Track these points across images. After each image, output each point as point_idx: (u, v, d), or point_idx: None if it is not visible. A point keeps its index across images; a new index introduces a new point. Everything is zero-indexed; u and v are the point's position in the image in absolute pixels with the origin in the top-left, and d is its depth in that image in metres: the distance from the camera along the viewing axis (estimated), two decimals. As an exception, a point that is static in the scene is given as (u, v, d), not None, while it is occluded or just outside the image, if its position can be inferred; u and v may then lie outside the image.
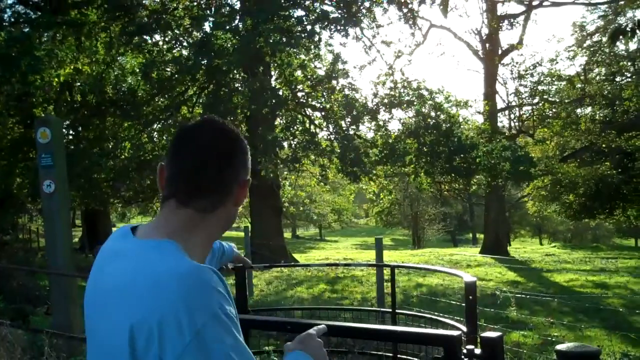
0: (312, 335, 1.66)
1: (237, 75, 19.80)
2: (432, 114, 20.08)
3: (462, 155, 19.77)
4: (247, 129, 19.37)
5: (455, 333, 2.04)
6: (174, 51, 20.25)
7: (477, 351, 2.07)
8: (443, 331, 2.18)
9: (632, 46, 28.79)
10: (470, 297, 4.55)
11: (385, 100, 20.12)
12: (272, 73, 20.84)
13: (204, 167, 1.48)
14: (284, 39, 18.00)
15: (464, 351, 2.08)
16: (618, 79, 33.28)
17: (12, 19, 18.38)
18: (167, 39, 20.55)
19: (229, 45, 18.08)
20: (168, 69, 19.96)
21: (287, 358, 1.60)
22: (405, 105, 20.23)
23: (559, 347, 3.10)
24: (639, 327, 9.63)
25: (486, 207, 31.97)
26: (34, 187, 16.75)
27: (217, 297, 1.30)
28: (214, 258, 2.55)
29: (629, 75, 33.21)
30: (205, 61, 18.07)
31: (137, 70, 20.13)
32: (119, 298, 1.34)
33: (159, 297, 1.27)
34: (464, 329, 4.67)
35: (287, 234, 54.56)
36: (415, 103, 20.12)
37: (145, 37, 20.13)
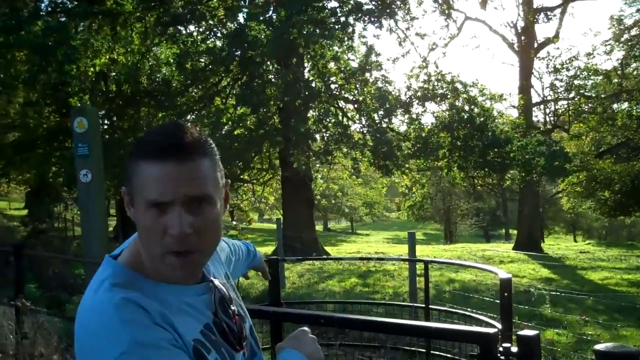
0: (305, 332, 1.60)
1: (271, 67, 19.84)
2: (466, 107, 19.92)
3: (496, 150, 19.60)
4: (279, 121, 19.40)
5: (492, 331, 2.02)
6: (208, 42, 20.35)
7: (514, 349, 2.04)
8: (479, 328, 2.15)
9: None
10: (506, 294, 4.50)
11: (419, 93, 20.02)
12: (306, 65, 20.82)
13: None
14: (318, 31, 17.98)
15: (500, 349, 2.04)
16: (656, 74, 32.75)
17: (49, 9, 18.58)
18: (201, 30, 20.65)
19: (262, 37, 18.11)
20: (202, 60, 20.07)
21: (280, 356, 1.54)
22: (438, 99, 20.11)
23: (598, 347, 3.03)
24: (675, 327, 9.46)
25: (520, 202, 31.68)
26: (69, 176, 16.96)
27: (137, 327, 1.22)
28: (247, 260, 2.35)
29: (667, 70, 32.66)
30: (239, 52, 18.13)
31: (172, 60, 20.26)
32: None
33: (75, 332, 1.29)
34: (499, 326, 4.62)
35: (319, 227, 54.69)
36: (449, 96, 19.99)
37: (179, 27, 20.26)
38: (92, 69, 18.91)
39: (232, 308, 1.53)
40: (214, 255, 1.53)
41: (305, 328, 1.62)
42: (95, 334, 1.23)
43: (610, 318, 10.54)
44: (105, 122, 20.95)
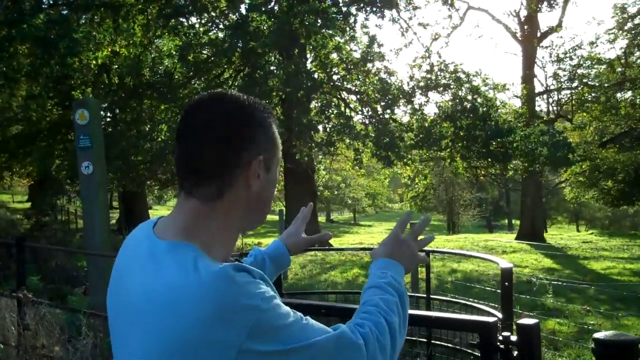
0: (396, 235, 1.66)
1: (273, 58, 19.81)
2: (469, 97, 19.89)
3: (499, 140, 19.58)
4: (282, 112, 19.38)
5: (491, 319, 2.01)
6: (210, 34, 20.32)
7: (513, 338, 2.03)
8: (479, 317, 2.16)
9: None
10: (507, 283, 4.52)
11: (422, 84, 19.98)
12: (308, 55, 20.78)
13: (199, 148, 1.32)
14: (319, 21, 17.95)
15: (500, 338, 2.04)
16: (660, 62, 32.65)
17: (51, 2, 18.57)
18: (203, 21, 20.61)
19: (264, 28, 18.09)
20: (204, 52, 20.05)
21: (373, 267, 1.63)
22: (441, 89, 20.08)
23: (597, 335, 3.04)
24: (678, 317, 9.48)
25: (523, 192, 31.68)
26: (72, 168, 16.99)
27: (253, 289, 1.18)
28: (271, 266, 2.12)
29: (671, 59, 32.57)
30: (241, 43, 18.11)
31: (174, 52, 20.25)
32: (135, 317, 1.25)
33: (177, 317, 1.17)
34: (500, 315, 4.63)
35: (322, 218, 54.71)
36: (451, 86, 19.95)
37: (181, 19, 20.22)
38: (94, 62, 18.89)
39: None
40: None
41: (398, 230, 1.68)
42: (218, 310, 1.14)
43: (612, 308, 10.56)
44: (108, 114, 20.96)
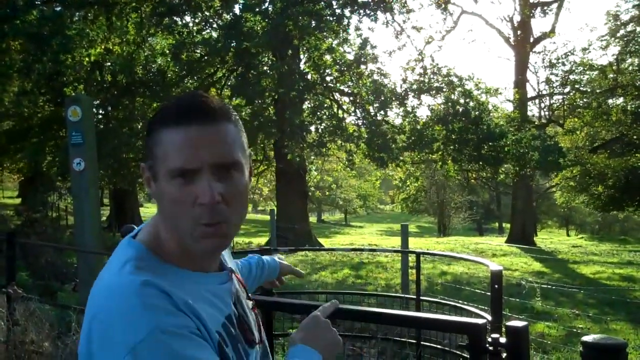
0: (316, 319, 1.50)
1: (266, 58, 19.82)
2: (462, 100, 19.96)
3: (490, 144, 19.65)
4: (274, 112, 19.39)
5: (480, 321, 2.02)
6: (204, 33, 20.31)
7: (502, 340, 2.04)
8: (468, 319, 2.17)
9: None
10: (496, 286, 4.54)
11: (414, 86, 20.04)
12: (301, 56, 20.80)
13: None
14: (313, 23, 17.97)
15: (489, 340, 2.05)
16: (651, 69, 32.82)
17: (45, -2, 18.53)
18: (197, 21, 20.61)
19: (258, 28, 18.09)
20: (198, 51, 20.04)
21: (292, 352, 1.43)
22: (434, 92, 20.14)
23: (585, 338, 3.07)
24: (666, 322, 9.53)
25: (513, 196, 31.78)
26: (63, 165, 16.95)
27: (158, 313, 1.13)
28: (249, 277, 2.09)
29: (663, 66, 32.74)
30: (235, 43, 18.11)
31: (167, 51, 20.23)
32: None
33: (90, 313, 1.18)
34: (489, 317, 4.65)
35: (313, 219, 54.69)
36: (444, 89, 20.02)
37: (175, 18, 20.20)
38: (87, 59, 18.84)
39: (250, 300, 1.48)
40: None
41: (317, 313, 1.53)
42: (113, 318, 1.13)
43: (600, 312, 10.60)
44: (100, 112, 20.91)
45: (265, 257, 2.27)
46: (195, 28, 20.40)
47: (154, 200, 1.35)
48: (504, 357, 2.06)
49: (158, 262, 1.26)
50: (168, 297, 1.16)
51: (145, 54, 21.61)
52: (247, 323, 1.38)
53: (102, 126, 19.30)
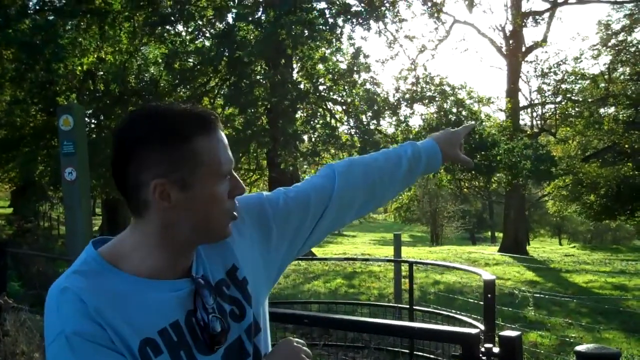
0: (287, 346, 1.50)
1: (259, 68, 19.83)
2: (454, 110, 20.00)
3: (483, 153, 19.67)
4: (267, 122, 19.38)
5: (473, 331, 2.02)
6: (197, 42, 20.30)
7: (496, 350, 2.04)
8: (462, 329, 2.16)
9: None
10: (489, 295, 4.54)
11: (407, 96, 20.07)
12: (294, 66, 20.81)
13: (114, 163, 1.33)
14: (306, 32, 17.99)
15: (482, 349, 2.04)
16: (643, 79, 33.00)
17: (37, 7, 18.51)
18: (190, 30, 20.59)
19: (251, 37, 18.11)
20: (190, 60, 20.04)
21: None
22: (426, 101, 20.17)
23: (579, 348, 3.06)
24: (658, 331, 9.54)
25: (506, 205, 31.85)
26: (55, 175, 16.89)
27: (67, 318, 1.23)
28: (423, 166, 1.90)
29: (654, 75, 32.91)
30: (228, 52, 18.12)
31: (160, 60, 20.23)
32: None
33: None
34: (482, 327, 4.65)
35: (306, 228, 54.60)
36: (437, 99, 20.06)
37: (168, 27, 20.21)
38: (79, 68, 18.82)
39: (222, 306, 1.44)
40: (215, 245, 1.48)
41: (290, 339, 1.52)
42: (45, 316, 1.28)
43: (593, 321, 10.62)
44: (92, 121, 20.86)
45: (422, 144, 1.97)
46: (188, 37, 20.39)
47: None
48: (497, 367, 2.06)
49: (105, 267, 1.32)
50: (81, 303, 1.23)
51: (138, 63, 21.60)
52: (206, 329, 1.37)
53: (94, 135, 19.23)
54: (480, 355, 2.01)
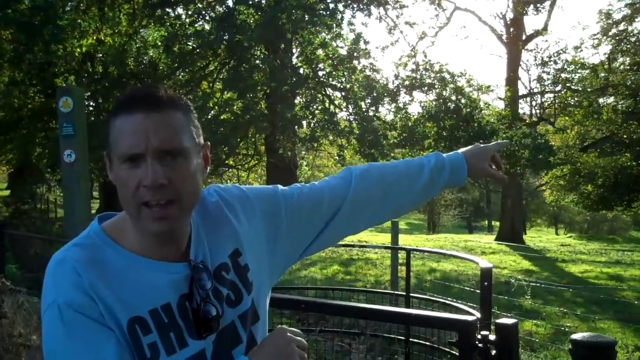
0: (278, 339, 1.43)
1: (258, 52, 19.77)
2: (453, 97, 19.97)
3: (481, 141, 19.62)
4: (266, 107, 19.34)
5: (470, 318, 2.04)
6: (197, 25, 20.22)
7: (492, 337, 2.05)
8: (458, 316, 2.17)
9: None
10: (486, 283, 4.56)
11: (406, 82, 20.02)
12: (294, 51, 20.75)
13: None
14: (306, 17, 17.92)
15: (478, 337, 2.06)
16: (642, 69, 32.99)
17: (37, -13, 18.43)
18: (189, 12, 20.51)
19: (251, 21, 18.04)
20: (190, 43, 19.96)
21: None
22: (426, 88, 20.13)
23: (574, 336, 3.08)
24: (652, 321, 9.60)
25: (503, 194, 31.89)
26: (53, 157, 16.87)
27: (62, 288, 1.27)
28: (447, 178, 1.86)
29: (654, 66, 32.90)
30: (227, 36, 18.05)
31: (159, 43, 20.15)
32: None
33: None
34: (478, 315, 4.67)
35: (303, 214, 54.70)
36: (436, 86, 20.01)
37: (167, 9, 20.12)
38: (78, 50, 18.73)
39: (219, 291, 1.44)
40: (220, 229, 1.50)
41: (284, 328, 1.47)
42: (43, 285, 1.32)
43: (588, 310, 10.67)
44: (91, 103, 20.82)
45: (449, 156, 1.92)
46: (187, 20, 20.31)
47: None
48: (493, 354, 2.07)
49: (106, 242, 1.37)
50: (77, 276, 1.28)
51: (137, 45, 21.52)
52: (199, 313, 1.38)
53: (92, 118, 19.20)
54: (477, 342, 2.02)
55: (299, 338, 1.45)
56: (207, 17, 20.61)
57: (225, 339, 1.44)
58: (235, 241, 1.52)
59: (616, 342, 3.08)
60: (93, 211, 25.35)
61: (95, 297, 1.27)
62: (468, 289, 10.20)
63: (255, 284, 1.52)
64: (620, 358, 7.83)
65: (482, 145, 1.99)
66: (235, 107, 18.83)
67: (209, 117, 18.32)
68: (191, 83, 20.15)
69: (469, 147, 1.98)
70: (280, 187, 1.70)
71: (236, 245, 1.52)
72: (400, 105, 20.18)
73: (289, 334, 1.44)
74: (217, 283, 1.44)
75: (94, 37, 19.35)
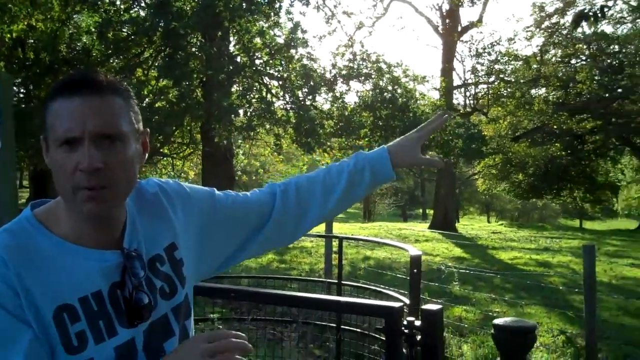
0: (192, 348, 1.31)
1: (195, 40, 19.56)
2: (389, 87, 20.15)
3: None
4: (202, 95, 19.16)
5: (396, 304, 2.05)
6: (132, 11, 19.86)
7: (417, 323, 2.10)
8: (384, 302, 2.23)
9: (592, 29, 29.33)
10: (415, 270, 4.65)
11: (344, 72, 20.10)
12: (231, 39, 20.59)
13: None
14: (244, 5, 17.81)
15: (404, 323, 2.11)
16: (573, 61, 33.87)
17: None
18: (124, -1, 20.17)
19: (187, 8, 17.84)
20: (124, 30, 19.61)
21: None
22: (363, 78, 20.25)
23: (496, 321, 3.21)
24: (576, 306, 9.90)
25: (437, 183, 32.34)
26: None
27: None
28: (369, 179, 1.85)
29: (583, 58, 33.78)
30: (163, 23, 17.80)
31: (93, 29, 19.71)
32: None
33: None
34: (407, 301, 4.78)
35: (239, 202, 54.30)
36: (373, 76, 20.16)
37: (102, -5, 19.72)
38: (8, 35, 18.21)
39: (152, 282, 1.44)
40: (157, 220, 1.50)
41: (199, 338, 1.33)
42: None
43: (516, 296, 10.96)
44: (22, 90, 20.29)
45: (369, 154, 1.91)
46: (122, 6, 19.92)
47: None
48: (418, 339, 2.13)
49: (37, 229, 1.36)
50: (2, 266, 1.27)
51: (70, 31, 21.02)
52: (131, 302, 1.37)
53: (23, 105, 18.71)
54: (402, 328, 2.07)
55: (216, 348, 1.28)
56: (143, 4, 20.27)
57: (158, 330, 1.44)
58: (172, 235, 1.53)
59: (536, 326, 3.22)
60: (22, 200, 24.75)
61: (18, 288, 1.26)
62: (400, 276, 10.37)
63: (188, 279, 1.54)
64: (546, 342, 8.08)
65: (415, 132, 1.96)
66: (170, 95, 18.60)
67: (144, 104, 18.06)
68: (125, 70, 19.79)
69: (405, 135, 1.97)
70: (216, 191, 1.71)
71: (173, 239, 1.53)
72: (337, 94, 20.26)
73: (203, 346, 1.28)
74: (151, 274, 1.45)
75: (25, 23, 18.81)
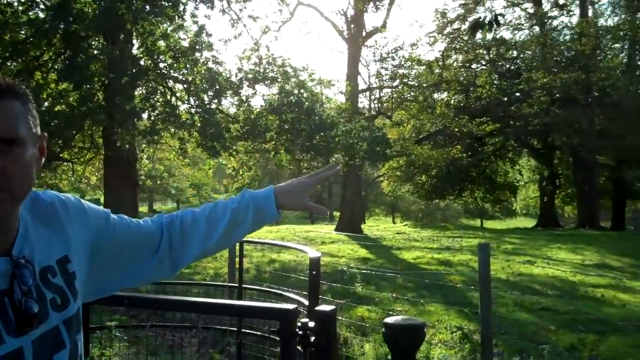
0: None
1: (96, 42, 19.15)
2: (295, 91, 20.28)
3: (322, 134, 20.11)
4: (104, 98, 18.78)
5: (290, 307, 2.11)
6: (30, 13, 19.26)
7: (311, 324, 2.17)
8: (279, 305, 2.29)
9: (489, 36, 30.40)
10: (314, 272, 4.75)
11: (250, 76, 20.10)
12: (134, 41, 20.26)
13: None
14: (147, 7, 17.57)
15: (299, 324, 2.17)
16: (474, 66, 35.00)
17: None
18: (22, 0, 19.52)
19: (88, 10, 17.46)
20: (22, 32, 18.99)
21: None
22: (268, 82, 20.32)
23: (387, 320, 3.36)
24: (475, 302, 10.22)
25: (343, 185, 32.61)
26: None
27: None
28: (253, 217, 1.88)
29: (483, 63, 34.96)
30: (63, 25, 17.35)
31: (-11, 31, 19.02)
32: None
33: None
34: (306, 302, 4.87)
35: (143, 208, 53.51)
36: (279, 80, 20.25)
37: (-2, -4, 19.05)
38: None
39: (42, 292, 1.42)
40: (51, 231, 1.48)
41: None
42: None
43: (418, 295, 11.24)
44: None
45: (254, 193, 1.94)
46: (20, 8, 19.29)
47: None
48: (312, 340, 2.21)
49: None
50: None
51: (-36, 32, 20.21)
52: (27, 310, 1.35)
53: None
54: (297, 330, 2.14)
55: None
56: (42, 5, 19.68)
57: (48, 342, 1.40)
58: (65, 247, 1.51)
59: (425, 324, 3.38)
60: None
61: None
62: (304, 278, 10.48)
63: (80, 293, 1.52)
64: (445, 339, 8.36)
65: (306, 177, 1.97)
66: (70, 99, 18.14)
67: (43, 108, 17.54)
68: (24, 73, 19.18)
69: (297, 178, 1.99)
70: (111, 213, 1.70)
71: (66, 252, 1.50)
72: (243, 98, 20.25)
73: None
74: (42, 284, 1.42)
75: None
